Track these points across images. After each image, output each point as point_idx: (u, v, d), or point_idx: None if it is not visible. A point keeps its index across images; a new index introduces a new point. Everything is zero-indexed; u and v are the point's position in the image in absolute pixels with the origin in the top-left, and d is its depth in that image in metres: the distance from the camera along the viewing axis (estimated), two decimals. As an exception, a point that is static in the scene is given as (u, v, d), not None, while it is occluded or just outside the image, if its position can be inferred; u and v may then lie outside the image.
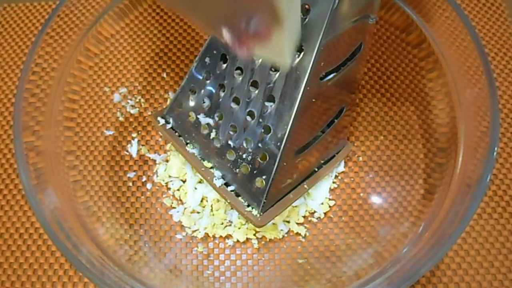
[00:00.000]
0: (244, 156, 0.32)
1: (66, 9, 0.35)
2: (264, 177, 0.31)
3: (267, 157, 0.30)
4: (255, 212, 0.32)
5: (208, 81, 0.33)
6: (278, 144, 0.29)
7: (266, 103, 0.29)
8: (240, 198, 0.33)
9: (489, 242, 0.36)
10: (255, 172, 0.31)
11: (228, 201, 0.33)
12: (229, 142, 0.32)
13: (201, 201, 0.38)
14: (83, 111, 0.39)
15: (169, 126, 0.36)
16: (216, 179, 0.33)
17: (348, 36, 0.29)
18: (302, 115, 0.29)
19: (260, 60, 0.30)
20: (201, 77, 0.34)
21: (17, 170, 0.30)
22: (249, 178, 0.32)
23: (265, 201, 0.31)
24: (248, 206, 0.32)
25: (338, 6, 0.26)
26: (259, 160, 0.31)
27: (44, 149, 0.33)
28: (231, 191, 0.33)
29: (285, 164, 0.30)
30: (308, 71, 0.27)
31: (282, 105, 0.29)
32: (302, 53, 0.28)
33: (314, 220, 0.38)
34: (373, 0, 0.29)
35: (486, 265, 0.36)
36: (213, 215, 0.38)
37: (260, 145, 0.30)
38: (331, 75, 0.30)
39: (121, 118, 0.41)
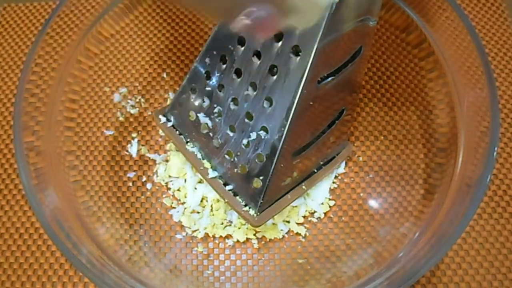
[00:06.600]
0: (242, 156, 0.32)
1: (66, 9, 0.35)
2: (261, 177, 0.31)
3: (265, 158, 0.30)
4: (252, 212, 0.32)
5: (208, 81, 0.33)
6: (276, 146, 0.29)
7: (264, 105, 0.29)
8: (238, 197, 0.33)
9: (489, 242, 0.36)
10: (253, 172, 0.31)
11: (226, 200, 0.33)
12: (228, 142, 0.32)
13: (201, 201, 0.38)
14: (83, 111, 0.39)
15: (170, 124, 0.36)
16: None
17: (347, 40, 0.29)
18: (300, 117, 0.29)
19: (259, 62, 0.30)
20: (202, 77, 0.34)
21: (17, 170, 0.30)
22: (247, 178, 0.32)
23: (262, 201, 0.31)
24: (245, 205, 0.32)
25: (336, 10, 0.26)
26: (256, 161, 0.31)
27: (44, 149, 0.33)
28: (229, 190, 0.33)
29: (282, 165, 0.30)
30: (305, 75, 0.27)
31: (280, 107, 0.29)
32: (299, 57, 0.28)
33: (314, 220, 0.38)
34: (373, 3, 0.29)
35: (486, 265, 0.36)
36: (213, 215, 0.38)
37: (258, 146, 0.30)
38: (329, 79, 0.29)
39: (121, 118, 0.41)
